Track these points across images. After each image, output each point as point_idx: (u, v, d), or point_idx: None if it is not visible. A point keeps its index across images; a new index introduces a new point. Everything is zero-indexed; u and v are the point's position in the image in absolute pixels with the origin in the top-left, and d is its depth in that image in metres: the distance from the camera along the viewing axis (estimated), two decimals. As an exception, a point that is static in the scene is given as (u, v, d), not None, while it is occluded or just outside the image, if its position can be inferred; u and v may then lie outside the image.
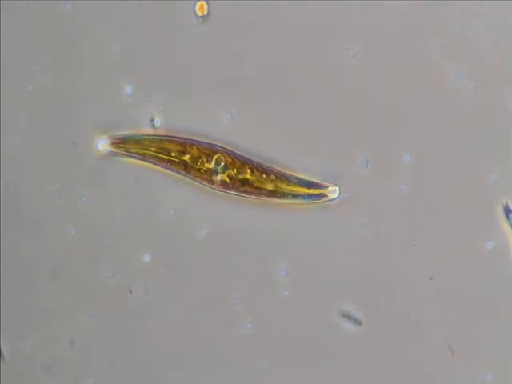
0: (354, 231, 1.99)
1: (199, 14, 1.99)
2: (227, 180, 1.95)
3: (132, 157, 1.98)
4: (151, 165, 1.98)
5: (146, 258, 2.01)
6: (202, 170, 1.95)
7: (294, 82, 1.99)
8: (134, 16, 1.99)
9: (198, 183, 1.97)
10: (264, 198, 1.97)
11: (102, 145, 1.98)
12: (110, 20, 2.00)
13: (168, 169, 1.97)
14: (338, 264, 1.99)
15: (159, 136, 1.97)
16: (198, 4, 1.99)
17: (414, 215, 1.98)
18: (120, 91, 2.00)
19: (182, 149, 1.96)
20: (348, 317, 2.00)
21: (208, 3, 1.99)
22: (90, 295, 2.02)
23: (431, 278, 1.98)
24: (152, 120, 1.99)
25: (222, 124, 1.99)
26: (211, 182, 1.96)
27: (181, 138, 1.97)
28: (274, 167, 1.97)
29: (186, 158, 1.95)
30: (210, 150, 1.96)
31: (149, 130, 1.98)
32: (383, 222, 1.99)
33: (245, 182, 1.95)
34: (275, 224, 1.99)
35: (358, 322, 2.00)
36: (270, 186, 1.96)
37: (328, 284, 2.00)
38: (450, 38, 1.94)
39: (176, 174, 1.98)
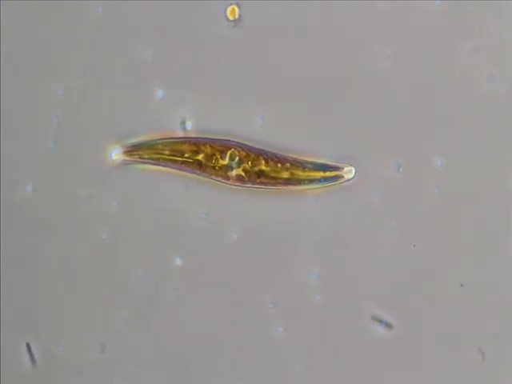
0: (386, 235, 1.99)
1: (230, 18, 1.99)
2: (243, 174, 1.95)
3: (146, 163, 1.97)
4: (165, 168, 1.98)
5: (178, 262, 2.01)
6: (216, 167, 1.95)
7: (325, 85, 1.99)
8: (165, 20, 1.99)
9: (213, 180, 1.96)
10: (281, 187, 1.96)
11: (116, 154, 1.97)
12: (141, 24, 1.99)
13: (182, 170, 1.97)
14: (370, 268, 1.99)
15: (172, 139, 1.96)
16: (230, 8, 1.99)
17: (445, 219, 1.98)
18: (152, 95, 1.99)
19: (195, 148, 1.96)
20: (379, 320, 2.00)
21: (239, 7, 1.98)
22: (121, 299, 2.01)
23: (462, 285, 1.97)
24: (183, 123, 1.99)
25: (253, 127, 1.98)
26: (227, 177, 1.96)
27: (193, 137, 1.96)
28: (289, 155, 1.96)
29: (200, 157, 1.95)
30: (223, 146, 1.96)
31: (160, 135, 1.97)
32: (415, 225, 1.98)
33: (260, 174, 1.95)
34: (300, 217, 1.98)
35: (388, 325, 2.00)
36: (285, 175, 1.95)
37: (359, 288, 2.00)
38: (482, 41, 1.94)
39: (190, 175, 1.97)
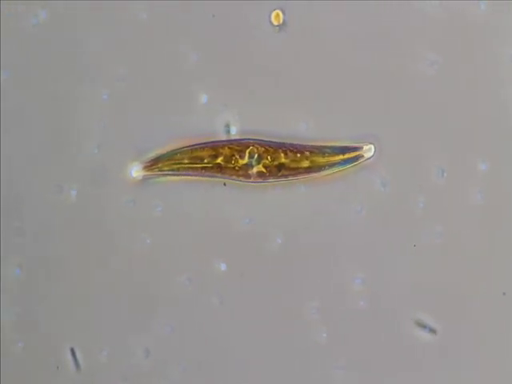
0: (431, 241, 1.99)
1: (275, 23, 1.99)
2: (263, 170, 1.95)
3: (166, 175, 1.97)
4: (186, 177, 1.98)
5: (222, 267, 2.01)
6: (236, 168, 1.95)
7: (369, 91, 1.99)
8: (209, 25, 1.99)
9: (234, 181, 1.97)
10: (302, 177, 1.96)
11: (136, 171, 1.97)
12: (185, 29, 2.00)
13: (202, 176, 1.97)
14: (415, 273, 1.99)
15: (189, 146, 1.96)
16: (274, 13, 1.99)
17: (489, 225, 1.98)
18: (195, 100, 1.99)
19: (214, 153, 1.96)
20: (423, 326, 2.00)
21: (284, 12, 1.98)
22: (166, 304, 2.02)
23: (504, 294, 1.97)
24: (227, 128, 1.99)
25: (298, 132, 1.98)
26: (247, 176, 1.96)
27: (210, 142, 1.97)
28: (307, 143, 1.96)
29: (219, 160, 1.95)
30: (241, 146, 1.96)
31: (177, 145, 1.97)
32: (459, 230, 1.98)
33: (281, 167, 1.95)
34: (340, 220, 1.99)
35: (432, 330, 2.00)
36: (305, 164, 1.96)
37: (403, 293, 2.00)
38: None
39: (210, 179, 1.98)
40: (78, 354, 2.02)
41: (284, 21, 1.99)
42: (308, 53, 1.99)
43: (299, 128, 1.98)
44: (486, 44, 1.97)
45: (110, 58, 2.00)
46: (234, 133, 1.99)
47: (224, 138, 1.99)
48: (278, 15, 1.99)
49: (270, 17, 1.99)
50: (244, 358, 2.02)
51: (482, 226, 1.98)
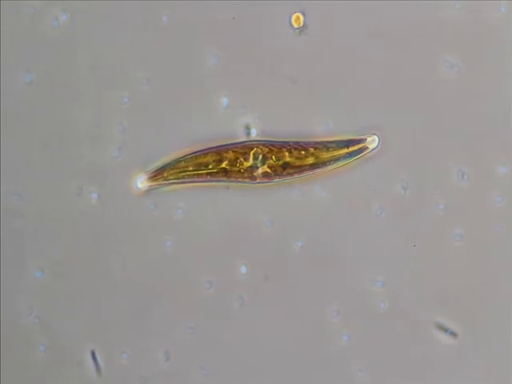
0: (452, 243, 1.98)
1: (295, 25, 1.99)
2: (269, 170, 1.95)
3: (172, 183, 1.97)
4: (190, 184, 1.98)
5: (243, 270, 2.01)
6: (241, 170, 1.95)
7: (389, 94, 1.99)
8: (230, 28, 1.99)
9: (238, 183, 1.97)
10: (308, 173, 1.96)
11: (141, 182, 1.97)
12: (205, 32, 2.00)
13: (208, 181, 1.97)
14: (436, 275, 1.99)
15: (193, 154, 1.96)
16: (295, 16, 1.99)
17: (510, 227, 1.98)
18: (216, 103, 1.99)
19: (218, 157, 1.96)
20: (444, 329, 2.00)
21: (304, 15, 1.98)
22: (186, 307, 2.01)
23: None
24: (248, 131, 1.99)
25: (319, 133, 1.98)
26: (253, 178, 1.96)
27: (214, 147, 1.97)
28: (311, 139, 1.96)
29: (224, 164, 1.95)
30: (245, 148, 1.96)
31: (179, 153, 1.97)
32: (480, 234, 1.98)
33: (285, 166, 1.95)
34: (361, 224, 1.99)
35: (453, 334, 2.00)
36: (310, 160, 1.96)
37: (424, 296, 1.99)
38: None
39: (216, 184, 1.98)
40: (99, 357, 2.01)
41: (304, 23, 1.98)
42: (328, 55, 1.99)
43: (321, 129, 1.98)
44: (506, 46, 1.96)
45: (130, 61, 2.00)
46: (255, 135, 1.99)
47: (242, 139, 1.99)
48: (298, 18, 1.99)
49: (290, 19, 1.98)
50: (265, 361, 2.01)
51: (502, 228, 1.98)
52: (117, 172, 2.01)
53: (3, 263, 2.01)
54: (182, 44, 2.00)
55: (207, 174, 1.96)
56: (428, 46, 1.98)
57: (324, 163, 1.96)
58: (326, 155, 1.95)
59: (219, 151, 1.96)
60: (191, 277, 2.02)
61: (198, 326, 2.02)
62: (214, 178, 1.97)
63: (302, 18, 1.99)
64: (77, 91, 2.01)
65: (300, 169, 1.95)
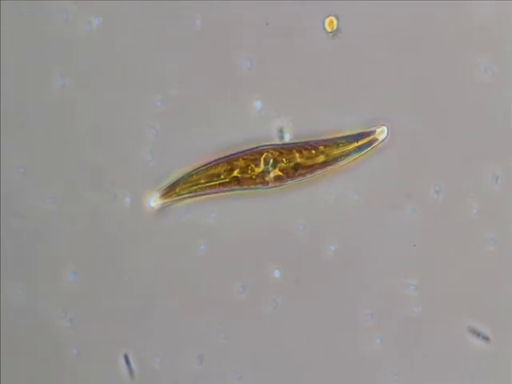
0: (484, 247, 1.98)
1: (329, 29, 1.99)
2: (280, 173, 1.95)
3: (185, 198, 1.97)
4: (203, 197, 1.98)
5: (276, 273, 2.01)
6: (253, 177, 1.95)
7: (422, 97, 1.99)
8: (263, 32, 1.99)
9: (251, 190, 1.97)
10: (320, 172, 1.96)
11: (154, 201, 1.97)
12: (239, 36, 2.00)
13: (220, 191, 1.97)
14: (469, 280, 1.99)
15: (203, 166, 1.96)
16: (328, 19, 1.99)
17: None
18: (250, 106, 1.99)
19: (229, 167, 1.96)
20: (476, 333, 1.99)
21: (338, 19, 1.98)
22: (219, 311, 2.01)
23: None
24: (281, 134, 1.99)
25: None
26: (265, 182, 1.96)
27: (223, 157, 1.96)
28: (320, 138, 1.96)
29: (236, 172, 1.95)
30: (255, 154, 1.96)
31: (188, 167, 1.97)
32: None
33: (297, 167, 1.95)
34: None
35: (486, 338, 1.99)
36: (321, 159, 1.95)
37: (457, 300, 1.99)
38: None
39: (228, 193, 1.98)
40: (132, 361, 2.01)
41: (338, 27, 1.98)
42: (362, 59, 1.99)
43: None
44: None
45: (163, 64, 2.00)
46: (288, 138, 1.99)
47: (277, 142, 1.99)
48: (331, 22, 1.99)
49: (323, 23, 1.98)
50: (298, 365, 2.01)
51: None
52: (149, 175, 2.00)
53: (35, 267, 2.01)
54: (215, 47, 2.00)
55: (219, 184, 1.96)
56: (461, 49, 1.98)
57: (335, 159, 1.95)
58: (336, 151, 1.95)
59: (230, 160, 1.96)
60: (224, 281, 2.01)
61: (230, 330, 2.02)
62: (226, 188, 1.96)
63: (335, 21, 1.99)
64: (109, 94, 2.01)
65: (311, 168, 1.94)
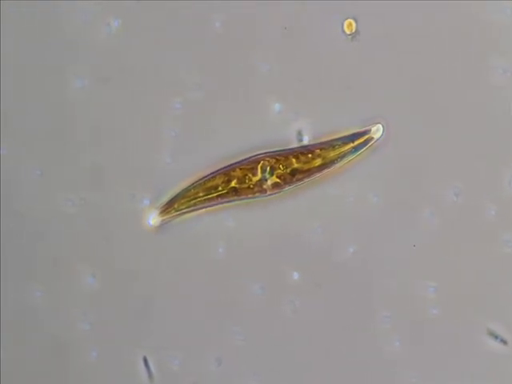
0: (503, 249, 1.99)
1: (347, 31, 1.99)
2: (278, 180, 1.95)
3: (185, 213, 1.97)
4: (203, 210, 1.97)
5: (295, 276, 2.01)
6: (251, 186, 1.95)
7: (440, 100, 1.99)
8: (281, 34, 2.00)
9: (250, 199, 1.97)
10: (317, 175, 1.96)
11: (153, 219, 1.97)
12: (258, 39, 2.00)
13: (219, 203, 1.97)
14: (487, 282, 1.99)
15: (200, 180, 1.96)
16: (347, 22, 1.99)
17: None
18: (268, 109, 1.99)
19: (226, 178, 1.96)
20: (494, 336, 2.00)
21: (356, 21, 1.99)
22: (238, 313, 2.01)
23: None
24: (300, 137, 1.99)
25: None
26: (263, 191, 1.96)
27: (220, 169, 1.96)
28: (316, 142, 1.96)
29: (233, 183, 1.95)
30: (251, 163, 1.95)
31: (187, 181, 1.97)
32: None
33: (294, 172, 1.95)
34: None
35: (503, 341, 2.00)
36: (318, 162, 1.95)
37: (476, 302, 2.00)
38: None
39: (227, 204, 1.98)
40: (151, 363, 2.01)
41: (357, 29, 1.99)
42: (381, 61, 1.99)
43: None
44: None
45: (184, 66, 2.00)
46: (307, 141, 1.99)
47: (295, 145, 1.99)
48: (350, 24, 1.99)
49: (342, 26, 1.99)
50: (316, 367, 2.01)
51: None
52: (169, 178, 2.00)
53: (53, 270, 2.01)
54: (234, 50, 2.00)
55: (217, 196, 1.95)
56: (480, 51, 1.98)
57: (332, 162, 1.95)
58: (332, 154, 1.95)
59: (227, 171, 1.95)
60: (243, 283, 2.01)
61: (249, 333, 2.01)
62: (225, 199, 1.96)
63: (354, 24, 1.99)
64: (129, 97, 2.01)
65: (309, 172, 1.94)
